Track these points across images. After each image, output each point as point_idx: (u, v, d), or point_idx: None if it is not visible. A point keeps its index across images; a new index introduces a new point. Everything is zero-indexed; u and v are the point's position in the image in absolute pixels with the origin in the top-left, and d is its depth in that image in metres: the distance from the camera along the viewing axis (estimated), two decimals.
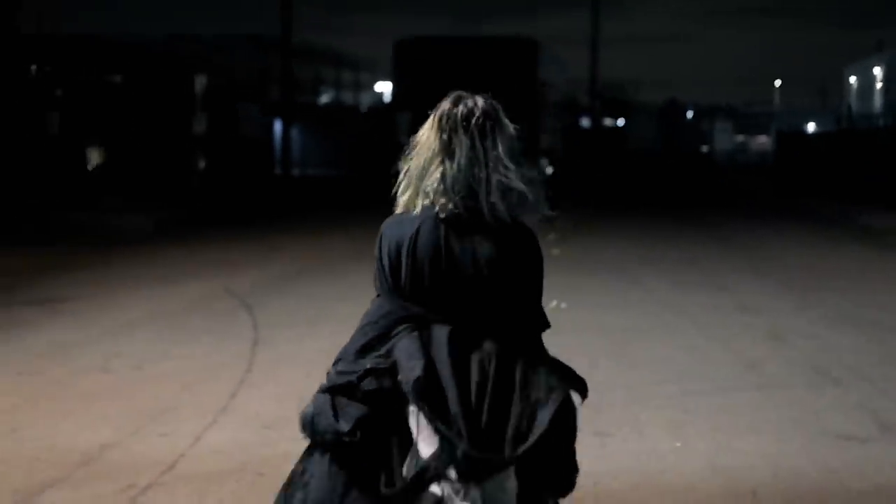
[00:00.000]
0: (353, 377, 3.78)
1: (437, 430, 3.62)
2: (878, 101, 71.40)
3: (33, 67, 34.62)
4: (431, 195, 3.84)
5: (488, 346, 3.73)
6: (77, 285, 16.02)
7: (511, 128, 3.98)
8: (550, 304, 13.87)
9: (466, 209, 3.80)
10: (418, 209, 3.87)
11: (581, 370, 9.60)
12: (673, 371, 10.42)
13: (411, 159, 3.94)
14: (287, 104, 52.21)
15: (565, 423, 3.79)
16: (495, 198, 3.79)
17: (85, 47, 49.15)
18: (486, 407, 3.64)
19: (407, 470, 3.71)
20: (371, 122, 68.65)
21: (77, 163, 39.29)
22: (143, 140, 41.67)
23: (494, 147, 3.86)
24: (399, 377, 3.73)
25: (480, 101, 3.95)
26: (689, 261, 19.90)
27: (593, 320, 13.28)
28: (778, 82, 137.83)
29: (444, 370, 3.67)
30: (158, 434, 8.08)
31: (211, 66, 57.49)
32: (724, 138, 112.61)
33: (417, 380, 3.63)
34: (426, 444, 3.66)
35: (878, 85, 75.07)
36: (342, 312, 13.55)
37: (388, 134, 62.17)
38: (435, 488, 3.63)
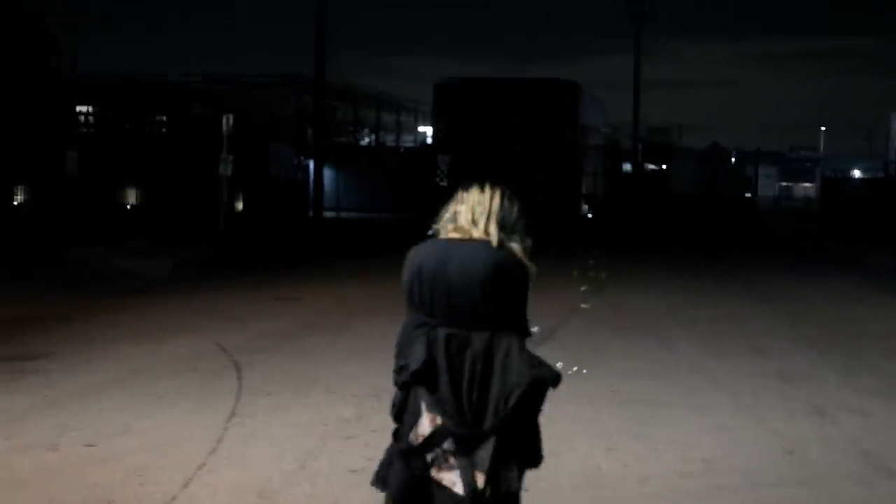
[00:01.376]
0: (394, 373, 4.85)
1: (430, 411, 4.67)
2: None
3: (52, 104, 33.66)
4: (445, 224, 4.97)
5: (477, 344, 4.73)
6: (62, 339, 14.83)
7: (516, 203, 5.04)
8: (571, 370, 12.57)
9: (466, 235, 4.90)
10: (439, 237, 4.98)
11: (595, 452, 8.26)
12: (700, 458, 9.05)
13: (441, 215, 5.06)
14: (319, 145, 51.13)
15: (530, 403, 4.71)
16: (493, 226, 4.88)
17: (119, 87, 48.47)
18: (474, 393, 4.68)
19: (412, 436, 4.71)
20: (411, 164, 67.59)
21: (104, 203, 38.41)
22: (174, 181, 40.72)
23: (509, 201, 4.99)
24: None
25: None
26: (726, 319, 18.49)
27: (615, 389, 11.92)
28: (823, 128, 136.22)
29: (442, 365, 4.70)
30: None
31: (246, 107, 56.71)
32: (769, 184, 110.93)
33: (415, 372, 4.68)
34: (427, 419, 4.67)
35: None
36: (336, 376, 12.39)
37: (428, 176, 61.05)
38: (434, 451, 4.66)
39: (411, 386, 4.76)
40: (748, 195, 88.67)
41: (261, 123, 51.34)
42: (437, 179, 60.05)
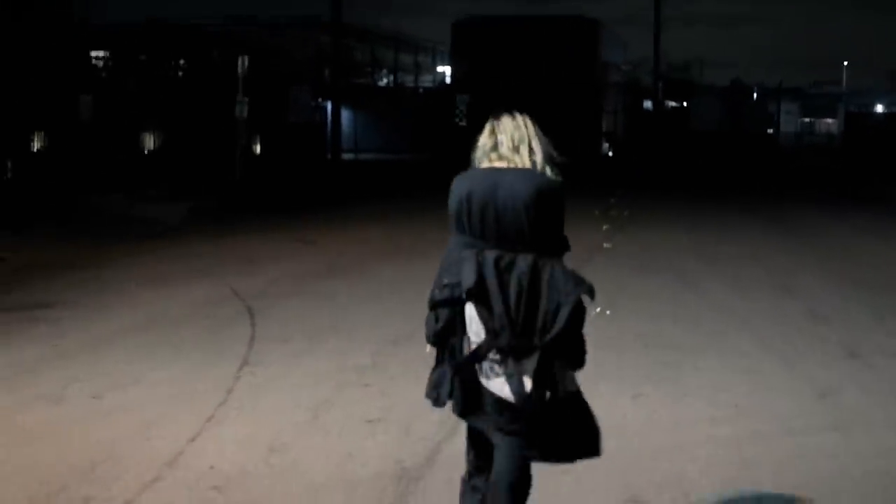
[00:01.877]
0: (434, 290, 5.08)
1: (485, 324, 4.88)
2: None
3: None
4: (488, 153, 5.24)
5: (523, 264, 4.92)
6: (76, 287, 14.53)
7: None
8: (594, 311, 12.22)
9: (512, 161, 5.19)
10: (481, 166, 5.25)
11: (621, 399, 7.87)
12: (730, 404, 8.69)
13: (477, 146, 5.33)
14: (337, 86, 50.57)
15: (577, 318, 4.94)
16: (536, 153, 5.20)
17: (136, 31, 47.92)
18: (522, 308, 4.86)
19: (459, 350, 5.02)
20: (430, 105, 67.01)
21: (122, 149, 38.01)
22: (193, 125, 40.29)
23: (536, 128, 5.30)
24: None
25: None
26: (751, 257, 18.08)
27: (639, 332, 11.56)
28: (846, 63, 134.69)
29: (492, 283, 4.90)
30: (81, 498, 6.50)
31: (265, 49, 56.03)
32: (791, 120, 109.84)
33: (469, 290, 4.90)
34: (476, 333, 4.93)
35: None
36: (352, 322, 12.03)
37: (447, 116, 60.54)
38: (482, 363, 4.93)
39: (460, 303, 5.03)
40: (770, 131, 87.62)
41: (278, 66, 50.82)
42: (457, 119, 59.58)
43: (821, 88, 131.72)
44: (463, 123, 57.11)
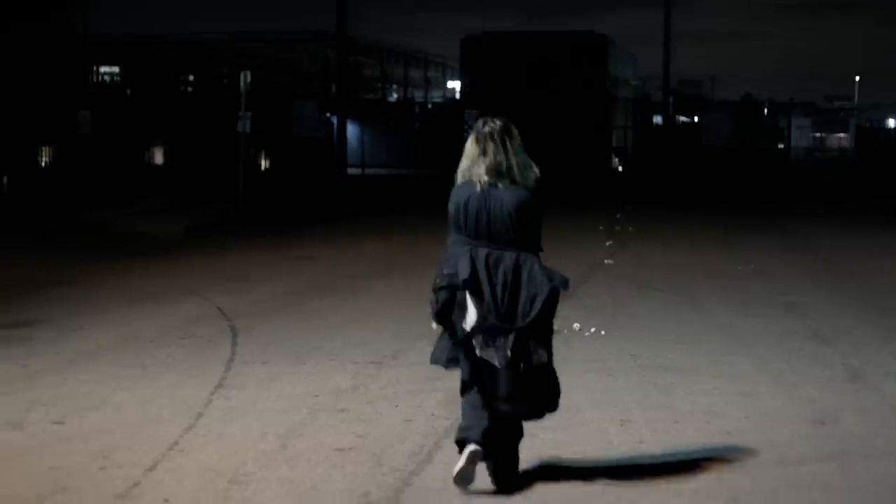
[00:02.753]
0: (436, 279, 6.51)
1: (477, 308, 6.38)
2: None
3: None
4: (480, 177, 6.53)
5: (508, 260, 6.43)
6: (56, 304, 14.13)
7: (517, 135, 6.68)
8: (588, 332, 11.80)
9: (498, 182, 6.50)
10: (472, 181, 6.55)
11: (608, 426, 7.33)
12: (724, 431, 8.20)
13: (463, 161, 6.67)
14: (343, 100, 50.18)
15: (551, 306, 6.45)
16: (516, 173, 6.54)
17: (144, 47, 47.75)
18: (506, 296, 6.39)
19: (464, 326, 6.44)
20: (439, 120, 66.65)
21: (129, 163, 37.74)
22: (200, 140, 40.04)
23: (511, 146, 6.60)
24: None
25: (499, 121, 6.68)
26: (757, 273, 17.57)
27: (635, 353, 11.05)
28: (857, 77, 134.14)
29: (482, 274, 6.39)
30: None
31: (272, 64, 55.73)
32: (802, 135, 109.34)
33: (464, 280, 6.37)
34: (470, 315, 6.40)
35: None
36: (338, 342, 11.59)
37: (456, 131, 60.14)
38: (476, 339, 6.41)
39: (457, 290, 6.40)
40: (781, 146, 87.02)
41: (285, 81, 50.50)
42: (465, 135, 59.17)
43: (832, 103, 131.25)
44: None
